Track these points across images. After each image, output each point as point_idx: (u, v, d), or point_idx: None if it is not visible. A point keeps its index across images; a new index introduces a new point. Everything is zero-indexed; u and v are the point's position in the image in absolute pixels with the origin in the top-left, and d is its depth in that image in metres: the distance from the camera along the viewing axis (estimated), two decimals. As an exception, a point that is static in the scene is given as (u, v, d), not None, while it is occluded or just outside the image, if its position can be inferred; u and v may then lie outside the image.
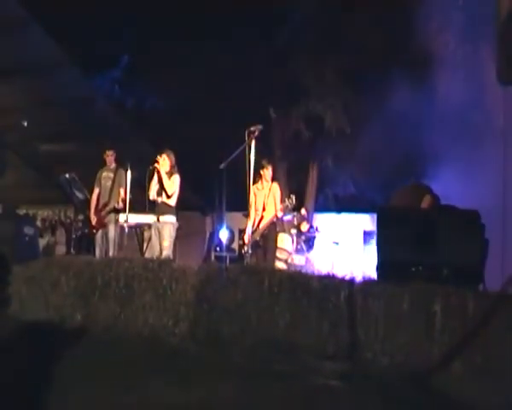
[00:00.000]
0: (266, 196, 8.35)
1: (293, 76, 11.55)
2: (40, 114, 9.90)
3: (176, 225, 7.96)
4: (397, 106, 10.17)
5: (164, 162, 7.93)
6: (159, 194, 7.92)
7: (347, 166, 13.06)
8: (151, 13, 11.50)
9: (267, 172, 8.39)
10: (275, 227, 8.42)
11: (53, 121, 10.13)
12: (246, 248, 7.97)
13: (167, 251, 7.70)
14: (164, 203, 7.90)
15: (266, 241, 8.24)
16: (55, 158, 10.91)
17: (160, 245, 7.75)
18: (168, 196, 7.86)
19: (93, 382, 3.95)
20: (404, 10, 10.09)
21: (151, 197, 7.94)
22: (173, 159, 8.02)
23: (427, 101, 9.87)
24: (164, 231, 7.77)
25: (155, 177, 7.91)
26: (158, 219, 7.88)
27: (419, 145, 10.94)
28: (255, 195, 8.28)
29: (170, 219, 7.88)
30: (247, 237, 8.18)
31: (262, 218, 8.31)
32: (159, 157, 7.94)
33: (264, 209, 8.34)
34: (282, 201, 8.28)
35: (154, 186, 7.93)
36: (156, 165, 7.84)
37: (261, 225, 8.26)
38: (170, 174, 7.94)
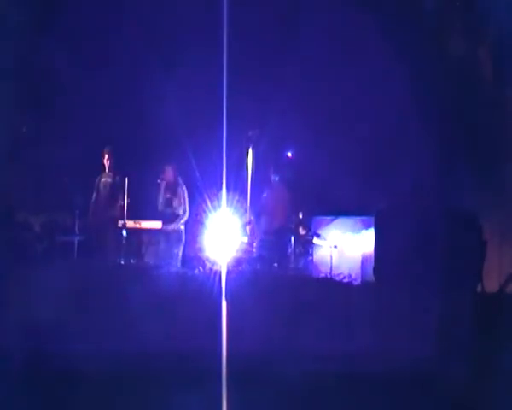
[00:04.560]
0: (274, 202, 8.61)
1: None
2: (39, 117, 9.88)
3: (183, 232, 8.24)
4: (396, 104, 10.14)
5: (168, 174, 8.27)
6: (167, 205, 8.21)
7: (346, 169, 12.99)
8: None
9: (274, 180, 8.53)
10: (282, 232, 8.57)
11: (52, 125, 10.10)
12: (254, 252, 8.12)
13: (176, 257, 8.00)
14: (173, 213, 8.19)
15: (274, 245, 8.40)
16: (54, 162, 10.87)
17: (170, 252, 8.03)
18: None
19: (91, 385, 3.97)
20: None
21: (159, 209, 8.28)
22: (177, 170, 8.31)
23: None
24: (173, 239, 8.09)
25: (162, 189, 8.26)
26: (168, 227, 8.12)
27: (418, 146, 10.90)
28: (265, 199, 8.57)
29: (179, 227, 8.18)
30: (253, 242, 8.35)
31: (270, 223, 8.59)
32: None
33: (271, 214, 8.55)
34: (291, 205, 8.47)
35: (162, 198, 8.26)
36: (163, 177, 8.22)
37: (269, 230, 8.48)
38: (175, 185, 8.23)
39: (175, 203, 8.19)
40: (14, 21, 8.26)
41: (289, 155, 12.50)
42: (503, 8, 8.07)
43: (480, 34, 8.92)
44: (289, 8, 10.41)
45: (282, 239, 8.65)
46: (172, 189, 8.24)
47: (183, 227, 8.24)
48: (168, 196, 8.25)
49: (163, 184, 8.25)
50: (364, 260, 10.28)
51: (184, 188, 8.25)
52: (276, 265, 8.27)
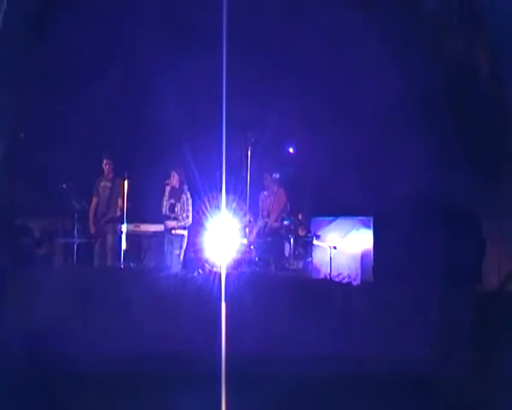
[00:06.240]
0: (271, 203, 8.64)
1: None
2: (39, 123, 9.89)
3: (186, 236, 8.36)
4: (395, 104, 10.13)
5: (173, 179, 8.36)
6: (170, 210, 8.32)
7: (345, 170, 12.99)
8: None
9: (270, 181, 8.65)
10: (279, 233, 8.60)
11: (52, 129, 10.11)
12: (252, 253, 8.18)
13: (178, 261, 8.14)
14: (175, 218, 8.30)
15: (271, 247, 8.46)
16: (53, 168, 10.87)
17: (172, 255, 8.18)
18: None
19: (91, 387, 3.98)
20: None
21: (163, 213, 8.38)
22: (182, 175, 8.40)
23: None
24: (176, 242, 8.22)
25: (166, 193, 8.36)
26: (170, 231, 8.27)
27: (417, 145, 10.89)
28: (262, 201, 8.65)
29: (181, 232, 8.32)
30: (252, 243, 8.39)
31: (266, 224, 8.61)
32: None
33: (268, 216, 8.62)
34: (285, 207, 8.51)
35: (166, 202, 8.35)
36: (168, 181, 8.32)
37: (266, 231, 8.54)
38: (180, 191, 8.34)
39: (177, 209, 8.31)
40: (14, 24, 8.26)
41: (291, 150, 12.52)
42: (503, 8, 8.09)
43: (479, 34, 8.93)
44: (288, 9, 10.46)
45: (281, 240, 8.67)
46: (176, 195, 8.37)
47: (186, 232, 8.35)
48: (172, 201, 8.37)
49: (168, 189, 8.37)
50: (364, 258, 10.29)
51: (189, 195, 8.37)
52: (272, 266, 8.28)
